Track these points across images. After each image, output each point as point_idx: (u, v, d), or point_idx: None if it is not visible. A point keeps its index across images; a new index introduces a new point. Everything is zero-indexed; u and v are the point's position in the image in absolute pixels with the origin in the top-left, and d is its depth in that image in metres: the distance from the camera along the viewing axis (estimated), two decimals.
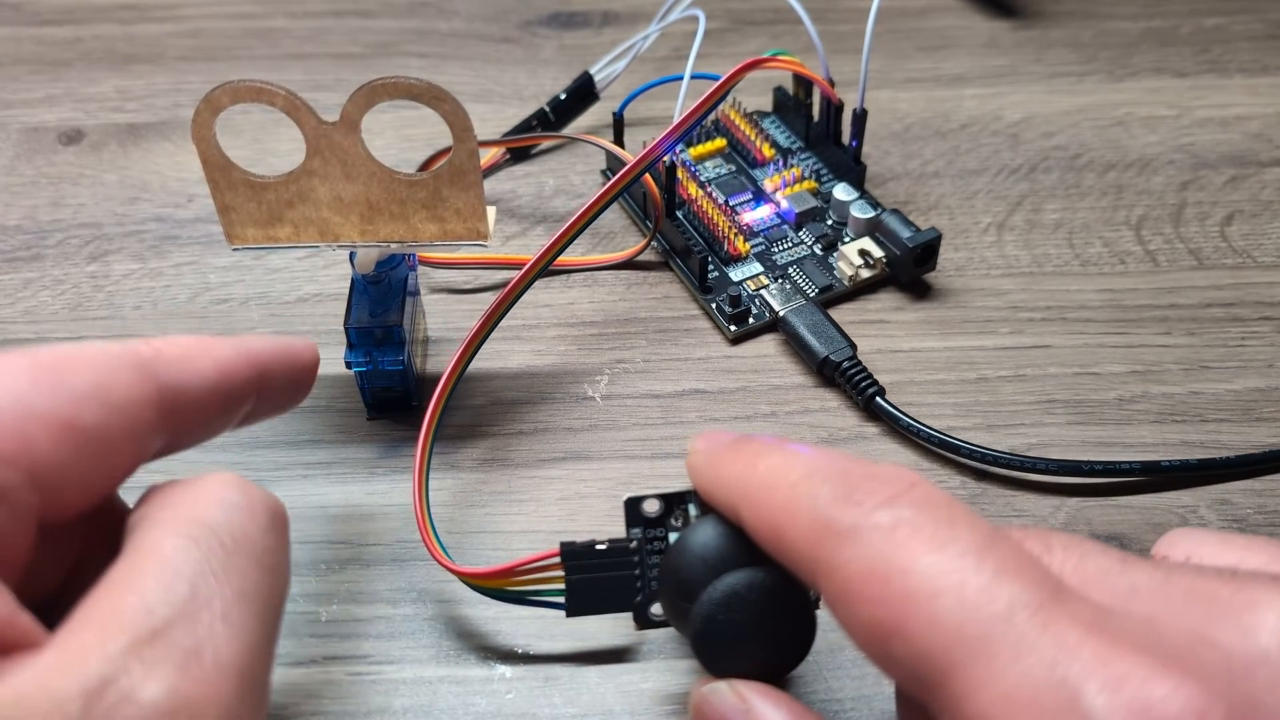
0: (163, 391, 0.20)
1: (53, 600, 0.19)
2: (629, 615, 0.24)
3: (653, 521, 0.23)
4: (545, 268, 0.30)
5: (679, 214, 0.35)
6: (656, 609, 0.24)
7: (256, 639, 0.18)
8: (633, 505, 0.23)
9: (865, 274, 0.34)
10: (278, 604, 0.19)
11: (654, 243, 0.36)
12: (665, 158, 0.34)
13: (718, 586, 0.21)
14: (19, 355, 0.18)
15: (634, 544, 0.24)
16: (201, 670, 0.16)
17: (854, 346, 0.32)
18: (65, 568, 0.20)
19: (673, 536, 0.23)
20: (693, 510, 0.23)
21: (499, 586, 0.25)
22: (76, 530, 0.20)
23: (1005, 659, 0.16)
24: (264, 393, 0.22)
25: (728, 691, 0.21)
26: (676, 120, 0.31)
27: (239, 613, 0.17)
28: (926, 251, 0.34)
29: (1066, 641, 0.16)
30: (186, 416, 0.20)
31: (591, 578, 0.24)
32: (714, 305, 0.34)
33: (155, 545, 0.18)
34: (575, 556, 0.24)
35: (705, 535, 0.22)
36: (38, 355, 0.19)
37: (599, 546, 0.24)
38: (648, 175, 0.34)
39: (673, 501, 0.23)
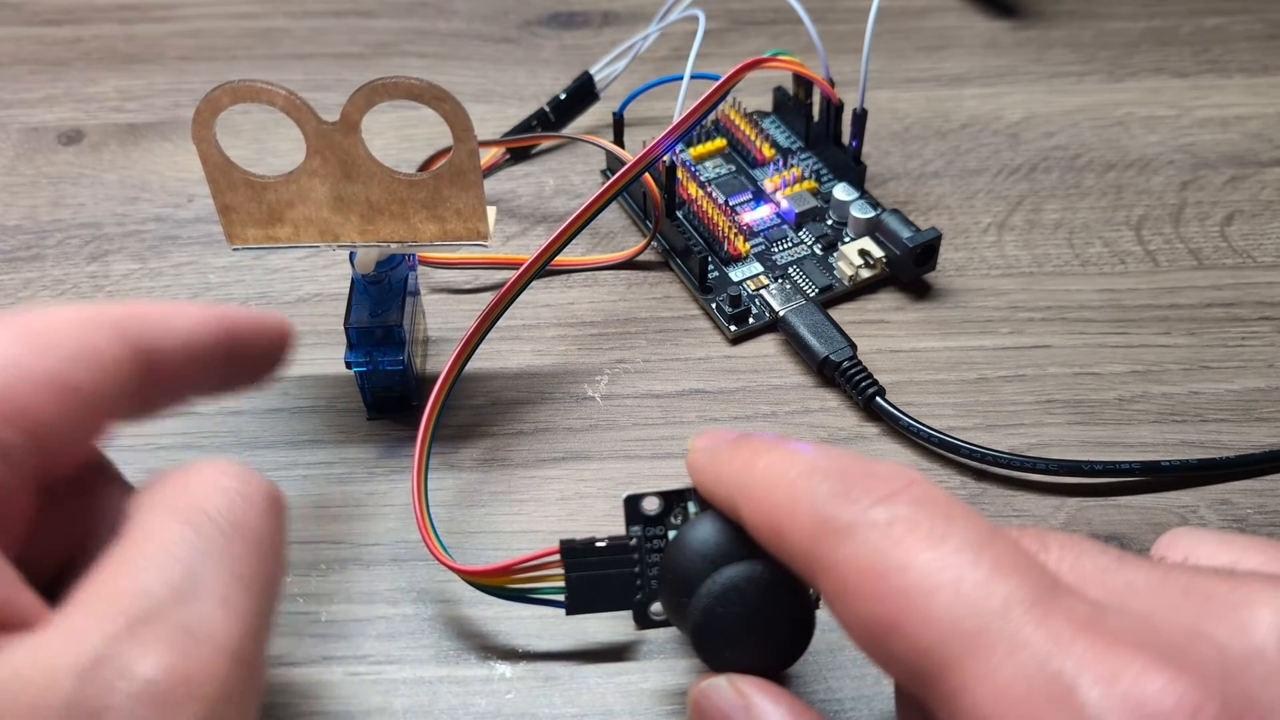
0: (138, 350, 0.20)
1: (55, 581, 0.19)
2: (629, 614, 0.24)
3: (652, 519, 0.23)
4: (543, 267, 0.30)
5: (679, 214, 0.35)
6: (656, 608, 0.24)
7: (252, 621, 0.18)
8: (632, 503, 0.23)
9: (865, 274, 0.34)
10: (274, 587, 0.19)
11: (654, 243, 0.36)
12: (665, 158, 0.34)
13: (716, 580, 0.21)
14: (7, 320, 0.19)
15: (633, 541, 0.24)
16: (198, 649, 0.17)
17: (854, 346, 0.32)
18: (67, 549, 0.20)
19: (673, 534, 0.23)
20: (692, 508, 0.23)
21: (499, 584, 0.25)
22: (78, 510, 0.21)
23: (1001, 654, 0.16)
24: (235, 357, 0.23)
25: (726, 687, 0.21)
26: (676, 120, 0.31)
27: (236, 595, 0.18)
28: (926, 251, 0.34)
29: (1062, 637, 0.16)
30: (161, 375, 0.21)
31: (591, 575, 0.24)
32: (714, 305, 0.34)
33: (154, 530, 0.18)
34: (575, 554, 0.24)
35: (704, 531, 0.22)
36: (26, 320, 0.19)
37: (599, 544, 0.24)
38: (648, 175, 0.34)
39: (672, 499, 0.23)
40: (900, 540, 0.17)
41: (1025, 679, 0.16)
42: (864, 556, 0.18)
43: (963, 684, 0.16)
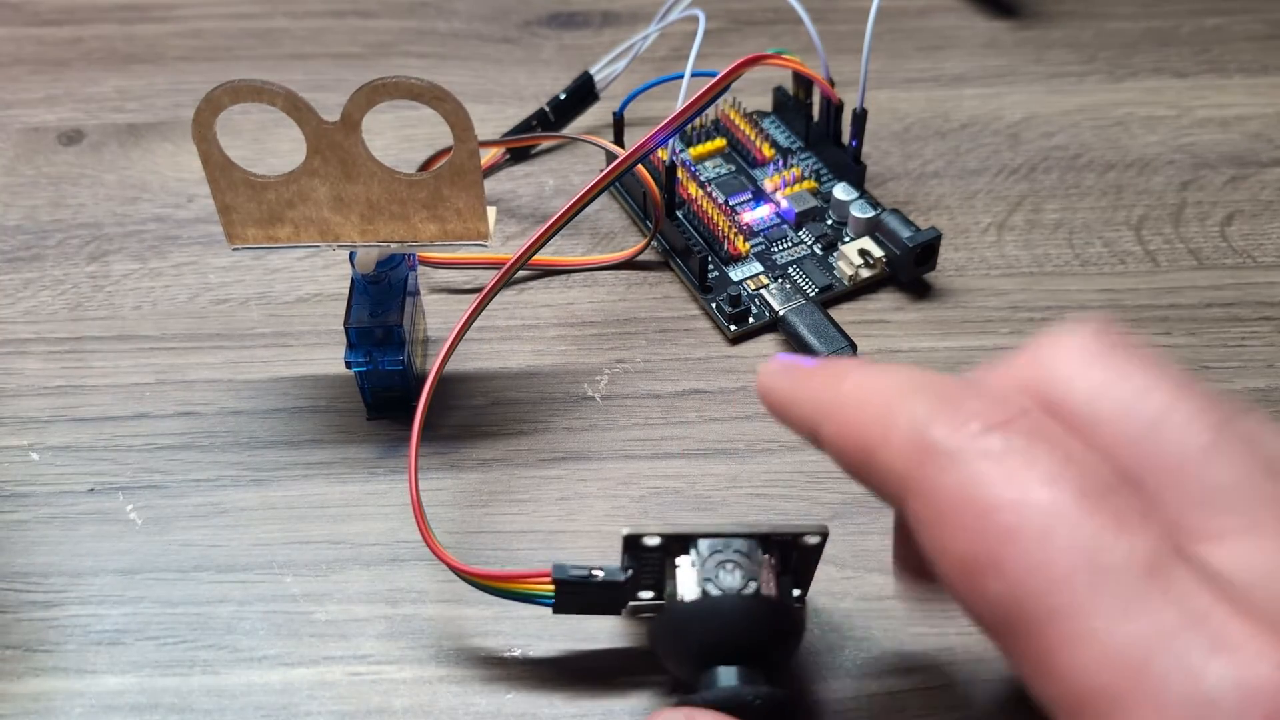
0: None
1: None
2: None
3: (650, 555, 0.23)
4: (543, 245, 0.30)
5: (679, 214, 0.35)
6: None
7: None
8: (632, 541, 0.23)
9: (865, 274, 0.34)
10: None
11: (654, 243, 0.36)
12: (666, 158, 0.34)
13: (719, 691, 0.22)
14: None
15: (628, 575, 0.24)
16: None
17: (854, 346, 0.32)
18: None
19: (677, 576, 0.23)
20: (692, 557, 0.23)
21: (488, 585, 0.25)
22: None
23: (1115, 614, 0.14)
24: None
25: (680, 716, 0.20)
26: (677, 111, 0.31)
27: None
28: (926, 251, 0.34)
29: (1188, 605, 0.14)
30: None
31: (580, 600, 0.24)
32: (714, 305, 0.34)
33: None
34: (568, 586, 0.24)
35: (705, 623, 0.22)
36: None
37: (595, 573, 0.24)
38: (648, 175, 0.34)
39: (672, 541, 0.23)
40: (1014, 473, 0.16)
41: (1142, 646, 0.14)
42: (969, 486, 0.16)
43: (1063, 641, 0.15)
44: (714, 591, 0.22)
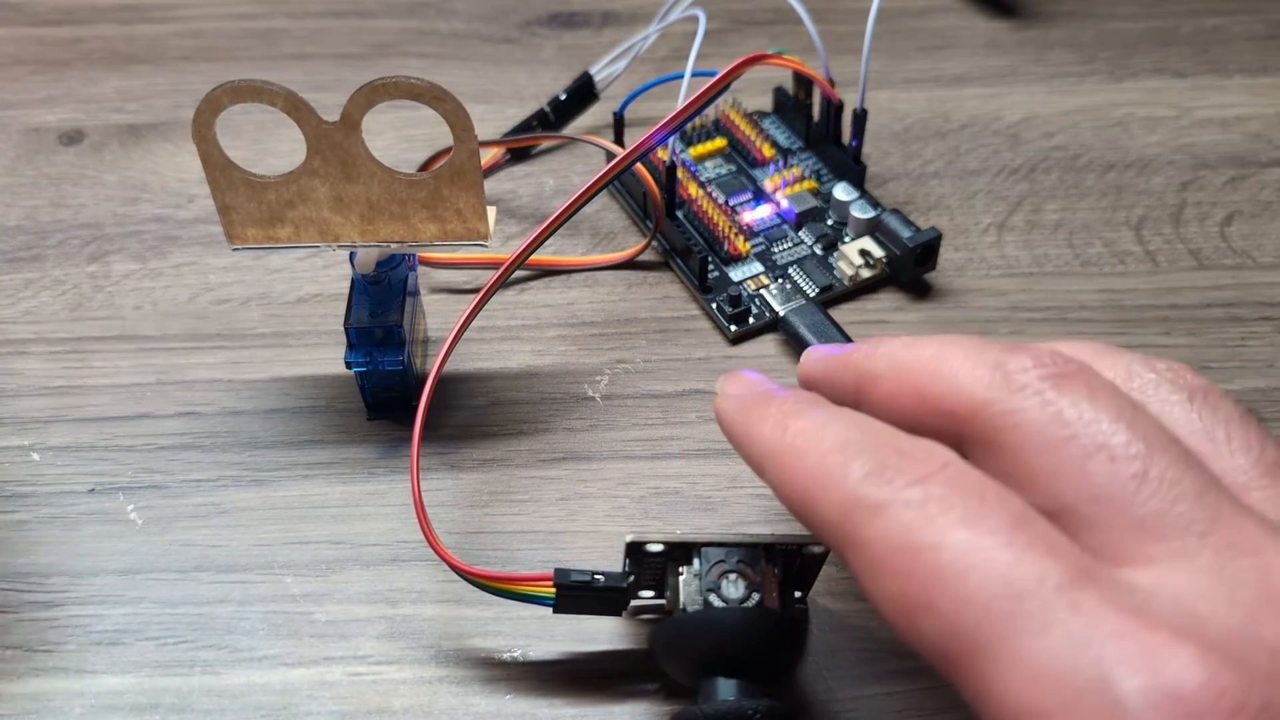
0: None
1: None
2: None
3: (652, 562, 0.23)
4: (542, 244, 0.30)
5: (679, 214, 0.35)
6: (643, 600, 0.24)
7: None
8: (635, 548, 0.23)
9: (865, 274, 0.34)
10: None
11: (654, 243, 0.36)
12: (666, 158, 0.34)
13: (718, 705, 0.22)
14: None
15: (630, 580, 0.24)
16: None
17: None
18: None
19: (680, 586, 0.23)
20: (696, 565, 0.23)
21: (489, 585, 0.25)
22: None
23: (1033, 637, 0.16)
24: None
25: None
26: (677, 110, 0.31)
27: None
28: (926, 251, 0.34)
29: (1098, 620, 0.15)
30: None
31: (582, 600, 0.24)
32: (714, 305, 0.34)
33: None
34: (569, 589, 0.24)
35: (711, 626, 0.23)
36: None
37: (597, 578, 0.24)
38: (648, 175, 0.34)
39: (675, 548, 0.23)
40: (933, 519, 0.17)
41: (1059, 664, 0.15)
42: (895, 534, 0.17)
43: (994, 667, 0.16)
44: (717, 602, 0.22)
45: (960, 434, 0.19)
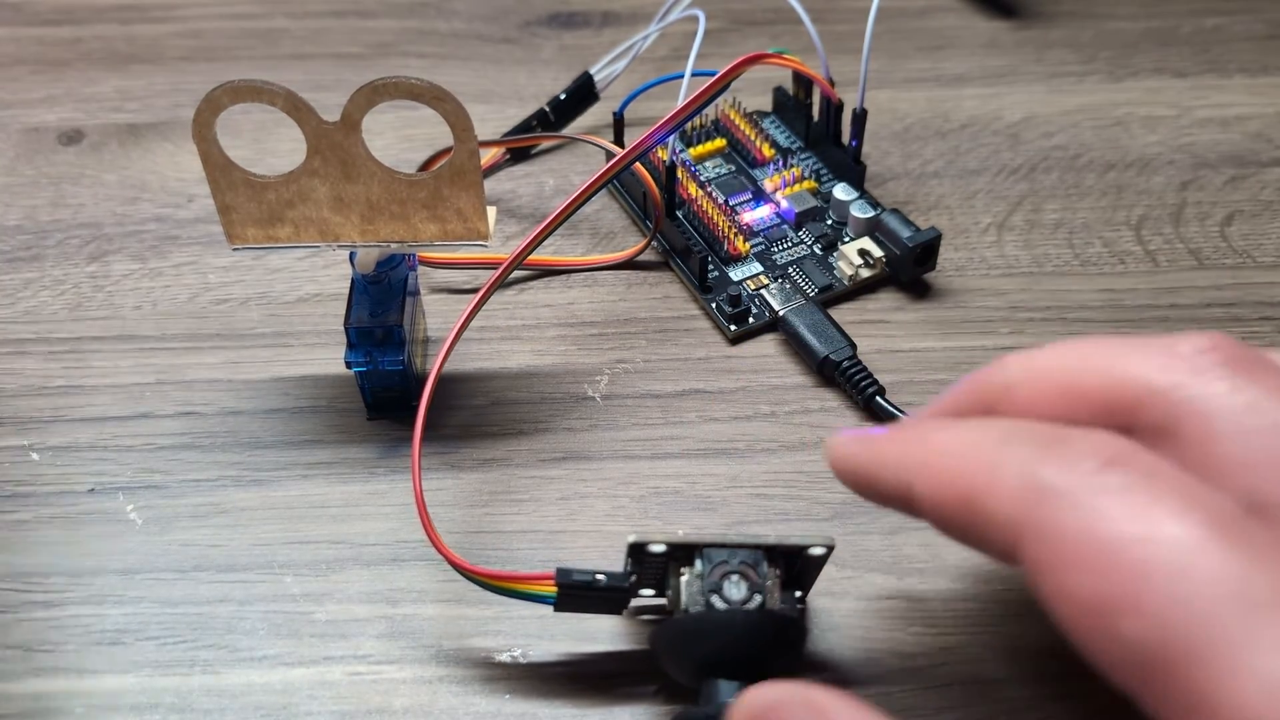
0: None
1: None
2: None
3: (654, 562, 0.23)
4: (541, 243, 0.30)
5: (679, 214, 0.35)
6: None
7: None
8: (637, 548, 0.23)
9: (865, 274, 0.34)
10: None
11: (654, 243, 0.36)
12: (666, 158, 0.34)
13: (720, 707, 0.22)
14: None
15: (631, 579, 0.24)
16: None
17: (854, 346, 0.32)
18: None
19: (681, 586, 0.23)
20: (699, 566, 0.23)
21: (490, 583, 0.25)
22: None
23: (1272, 649, 0.14)
24: None
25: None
26: (676, 109, 0.31)
27: None
28: (926, 251, 0.34)
29: None
30: None
31: (583, 599, 0.24)
32: (714, 305, 0.34)
33: None
34: (571, 588, 0.24)
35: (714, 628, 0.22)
36: None
37: (599, 578, 0.24)
38: (647, 175, 0.34)
39: (677, 549, 0.23)
40: (1139, 508, 0.15)
41: None
42: (1092, 524, 0.15)
43: (1222, 676, 0.14)
44: (719, 604, 0.22)
45: (1122, 427, 0.17)
